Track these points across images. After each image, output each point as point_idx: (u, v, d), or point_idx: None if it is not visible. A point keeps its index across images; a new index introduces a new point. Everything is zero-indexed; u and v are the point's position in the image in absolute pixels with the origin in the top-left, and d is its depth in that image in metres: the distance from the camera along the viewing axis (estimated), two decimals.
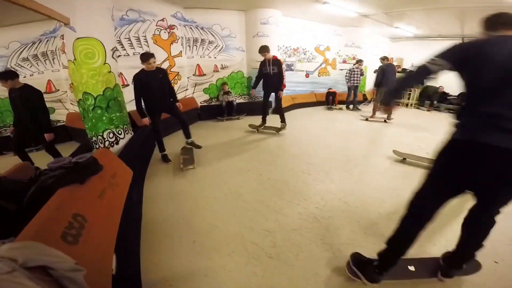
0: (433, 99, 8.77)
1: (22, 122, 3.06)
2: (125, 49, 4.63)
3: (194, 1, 5.62)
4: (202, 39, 6.28)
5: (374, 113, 6.61)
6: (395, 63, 10.07)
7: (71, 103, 5.36)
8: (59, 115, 5.53)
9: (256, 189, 2.86)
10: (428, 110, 8.57)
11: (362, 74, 7.84)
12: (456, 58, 1.22)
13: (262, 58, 4.71)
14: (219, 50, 6.59)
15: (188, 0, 5.51)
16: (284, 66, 4.56)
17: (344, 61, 8.90)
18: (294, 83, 8.08)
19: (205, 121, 6.34)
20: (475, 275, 1.63)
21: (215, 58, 6.57)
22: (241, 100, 7.06)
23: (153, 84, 3.20)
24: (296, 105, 7.92)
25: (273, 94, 4.89)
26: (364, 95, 9.45)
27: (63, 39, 3.44)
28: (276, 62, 4.59)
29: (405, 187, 2.90)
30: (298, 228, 2.20)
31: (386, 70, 6.30)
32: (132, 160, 2.78)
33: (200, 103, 6.53)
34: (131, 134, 3.57)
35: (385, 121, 6.32)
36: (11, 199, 1.43)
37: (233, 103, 6.45)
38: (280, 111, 4.99)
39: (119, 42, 4.49)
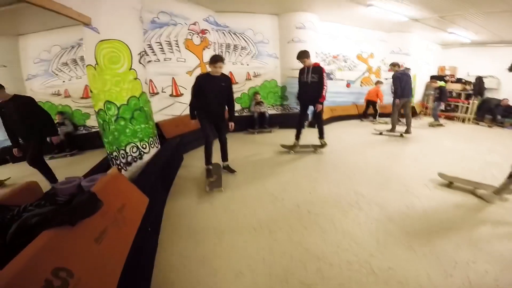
0: (496, 113, 7.52)
1: (29, 134, 2.79)
2: (155, 54, 4.42)
3: (226, 5, 5.36)
4: (234, 45, 6.00)
5: (393, 127, 5.84)
6: (447, 72, 8.98)
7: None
8: (93, 121, 5.55)
9: (292, 225, 2.33)
10: (489, 126, 7.39)
11: None
12: None
13: (299, 66, 4.20)
14: (252, 57, 6.24)
15: (220, 3, 5.25)
16: (325, 75, 3.98)
17: (390, 70, 8.03)
18: (333, 93, 7.37)
19: (236, 133, 5.87)
20: None
21: (247, 65, 6.23)
22: (274, 112, 6.60)
23: (210, 91, 3.02)
24: (336, 118, 7.26)
25: (311, 106, 4.27)
26: (413, 107, 8.43)
27: None
28: (317, 69, 4.00)
29: (479, 223, 2.26)
30: (348, 283, 1.67)
31: (402, 79, 5.51)
32: (153, 182, 2.45)
33: None
34: (157, 147, 3.28)
35: (401, 135, 5.59)
36: None
37: (265, 114, 6.02)
38: (319, 125, 4.35)
39: (150, 46, 4.29)
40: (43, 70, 5.28)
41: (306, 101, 4.29)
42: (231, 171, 3.49)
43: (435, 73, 9.07)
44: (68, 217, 1.10)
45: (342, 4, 5.49)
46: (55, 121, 5.05)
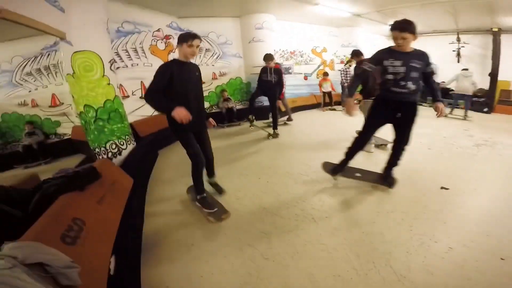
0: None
1: None
2: (123, 61, 4.72)
3: (188, 11, 5.73)
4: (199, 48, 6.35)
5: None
6: None
7: (76, 116, 5.49)
8: (64, 129, 5.65)
9: (254, 192, 2.90)
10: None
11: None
12: None
13: (260, 63, 4.83)
14: (216, 58, 6.69)
15: (183, 10, 5.64)
16: (283, 76, 4.78)
17: (342, 62, 8.91)
18: (293, 86, 8.07)
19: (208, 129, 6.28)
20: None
21: (212, 65, 6.66)
22: (241, 106, 7.11)
23: (189, 84, 2.12)
24: (297, 108, 7.91)
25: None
26: None
27: None
28: (278, 71, 4.75)
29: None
30: (295, 230, 2.22)
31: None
32: (134, 168, 2.87)
33: None
34: (133, 144, 3.65)
35: (285, 123, 6.23)
36: (17, 206, 1.54)
37: (233, 109, 6.53)
38: (274, 118, 5.04)
39: (117, 54, 4.58)
40: (5, 81, 5.25)
41: (264, 92, 4.95)
42: (220, 190, 2.82)
43: None
44: (78, 183, 1.55)
45: (294, 4, 6.09)
46: (25, 131, 5.17)
